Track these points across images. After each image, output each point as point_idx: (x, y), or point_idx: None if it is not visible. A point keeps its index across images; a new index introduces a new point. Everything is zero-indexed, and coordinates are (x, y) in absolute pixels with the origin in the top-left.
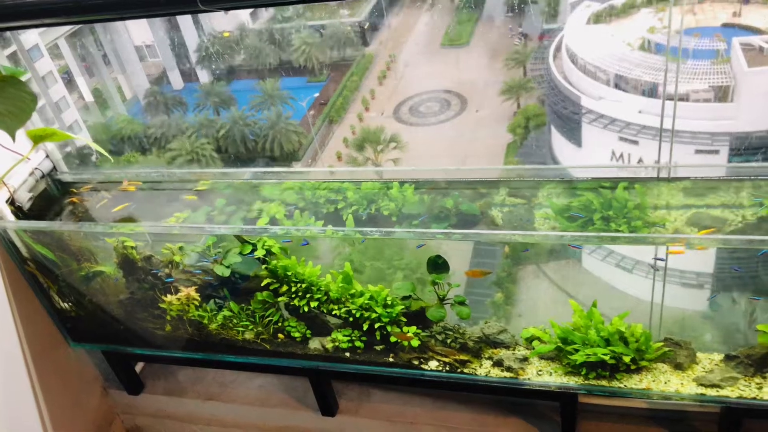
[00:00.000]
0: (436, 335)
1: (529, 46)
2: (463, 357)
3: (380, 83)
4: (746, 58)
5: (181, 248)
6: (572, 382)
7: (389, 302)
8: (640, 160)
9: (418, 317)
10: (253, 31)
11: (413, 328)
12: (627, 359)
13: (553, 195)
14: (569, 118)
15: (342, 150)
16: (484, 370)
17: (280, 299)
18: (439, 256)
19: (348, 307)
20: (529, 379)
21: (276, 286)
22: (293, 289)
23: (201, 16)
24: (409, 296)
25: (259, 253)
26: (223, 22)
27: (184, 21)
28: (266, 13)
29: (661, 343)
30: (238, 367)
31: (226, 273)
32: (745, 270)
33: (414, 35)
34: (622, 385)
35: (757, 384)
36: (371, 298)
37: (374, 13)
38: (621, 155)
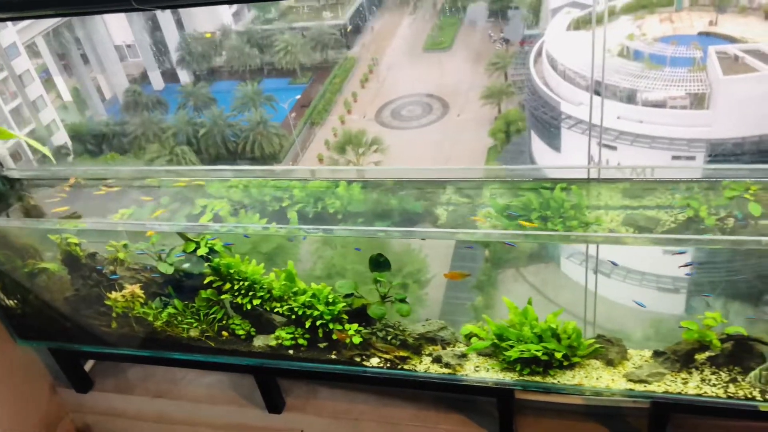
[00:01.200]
0: (378, 332)
1: (510, 51)
2: (403, 354)
3: (362, 86)
4: (722, 67)
5: (125, 246)
6: (508, 378)
7: (331, 300)
8: (618, 164)
9: (360, 315)
10: (235, 32)
11: (355, 326)
12: (559, 355)
13: (497, 195)
14: (549, 123)
15: (323, 152)
16: (423, 366)
17: (223, 297)
18: (380, 255)
19: (290, 304)
20: (466, 375)
21: (219, 283)
22: (236, 287)
23: (183, 16)
24: (352, 294)
25: (202, 251)
26: (205, 22)
27: (165, 21)
28: (249, 14)
29: (593, 340)
30: (185, 365)
31: (170, 270)
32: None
33: (396, 38)
34: (555, 381)
35: (683, 379)
36: (313, 296)
37: (357, 16)
38: (599, 160)
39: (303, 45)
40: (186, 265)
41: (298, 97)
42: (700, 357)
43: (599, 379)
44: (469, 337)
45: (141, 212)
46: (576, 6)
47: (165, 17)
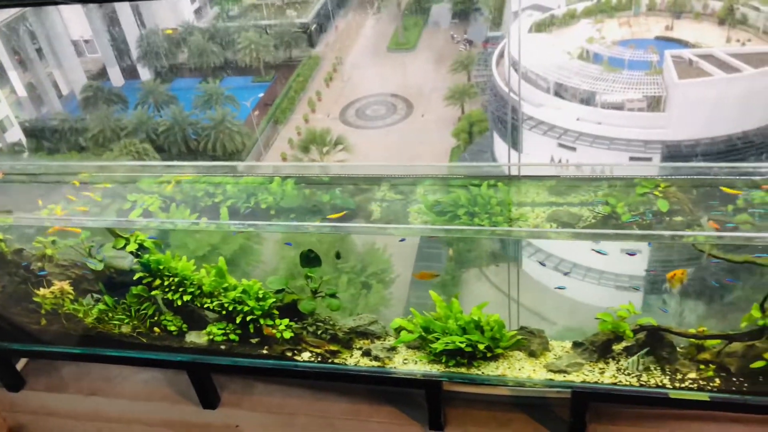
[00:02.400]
0: (308, 327)
1: (473, 53)
2: (333, 348)
3: (327, 85)
4: (677, 70)
5: (54, 242)
6: (435, 369)
7: (261, 295)
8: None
9: (291, 310)
10: (197, 29)
11: (286, 321)
12: (482, 347)
13: (430, 192)
14: (511, 124)
15: (287, 151)
16: (354, 360)
17: (153, 293)
18: (311, 251)
19: (221, 300)
20: (395, 367)
21: (149, 280)
22: (166, 283)
23: (144, 11)
24: (283, 290)
25: (131, 247)
26: (166, 19)
27: (125, 17)
28: (211, 11)
29: (515, 332)
30: (117, 362)
31: (99, 267)
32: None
33: (361, 38)
34: (480, 372)
35: (600, 369)
36: (244, 291)
37: (321, 15)
38: (560, 161)
39: (266, 43)
40: (125, 261)
41: (262, 95)
42: (617, 347)
43: (521, 370)
44: (399, 330)
45: (69, 208)
46: (537, 9)
47: (125, 12)
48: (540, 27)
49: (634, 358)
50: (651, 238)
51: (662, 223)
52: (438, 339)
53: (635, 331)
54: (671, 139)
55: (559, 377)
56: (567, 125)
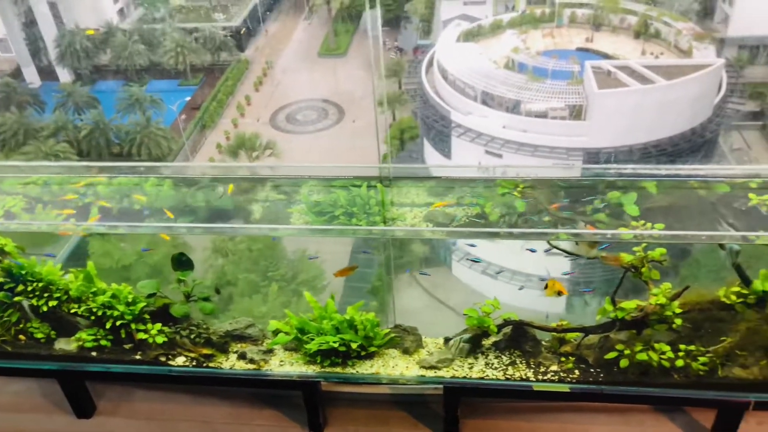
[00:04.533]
0: (182, 332)
1: (404, 60)
2: (208, 351)
3: (256, 89)
4: (596, 80)
5: None
6: (311, 370)
7: (131, 300)
8: (504, 173)
9: (163, 314)
10: (120, 30)
11: (158, 325)
12: (355, 345)
13: (314, 192)
14: (440, 132)
15: (215, 156)
16: (229, 363)
17: (16, 299)
18: (182, 254)
19: (89, 305)
20: (271, 369)
21: (11, 285)
22: (30, 288)
23: (62, 10)
24: (154, 294)
25: None
26: (87, 19)
27: (42, 15)
28: (135, 12)
29: (388, 330)
30: None
31: None
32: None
33: (291, 43)
34: (354, 371)
35: (470, 364)
36: (113, 296)
37: (251, 19)
38: (487, 168)
39: (193, 46)
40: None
41: (188, 98)
42: (486, 342)
43: (395, 368)
44: (276, 333)
45: None
46: (466, 18)
47: (41, 10)
48: (468, 36)
49: (456, 340)
50: (515, 237)
51: (531, 222)
52: (313, 339)
53: (500, 326)
54: (592, 147)
55: (430, 373)
56: (494, 133)
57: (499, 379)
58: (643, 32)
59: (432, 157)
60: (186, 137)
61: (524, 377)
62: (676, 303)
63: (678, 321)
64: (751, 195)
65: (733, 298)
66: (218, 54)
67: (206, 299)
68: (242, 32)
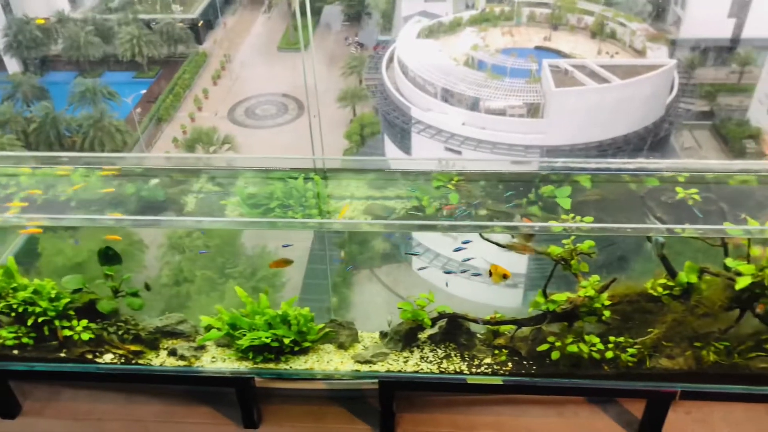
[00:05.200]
0: (109, 328)
1: (364, 55)
2: (136, 348)
3: (214, 83)
4: (554, 79)
5: None
6: (243, 366)
7: (54, 295)
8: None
9: (89, 311)
10: (72, 20)
11: (84, 322)
12: (287, 341)
13: (251, 184)
14: (400, 128)
15: (171, 150)
16: (159, 360)
17: None
18: (109, 248)
19: (8, 301)
20: (202, 366)
21: None
22: None
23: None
24: (80, 289)
25: None
26: (37, 8)
27: None
28: (88, 2)
29: (323, 325)
30: None
31: None
32: None
33: (251, 36)
34: (288, 367)
35: (405, 358)
36: (35, 292)
37: (209, 11)
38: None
39: (150, 37)
40: None
41: (144, 91)
42: (422, 336)
43: (330, 363)
44: (208, 329)
45: None
46: (426, 15)
47: None
48: (428, 33)
49: (390, 333)
50: (449, 230)
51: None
52: (245, 335)
53: (434, 319)
54: (549, 144)
55: (365, 368)
56: (453, 129)
57: (433, 373)
58: (599, 32)
59: (392, 153)
60: (141, 131)
61: (458, 370)
62: (605, 295)
63: (607, 313)
64: (678, 189)
65: (660, 290)
66: (175, 46)
67: (134, 294)
68: (200, 25)
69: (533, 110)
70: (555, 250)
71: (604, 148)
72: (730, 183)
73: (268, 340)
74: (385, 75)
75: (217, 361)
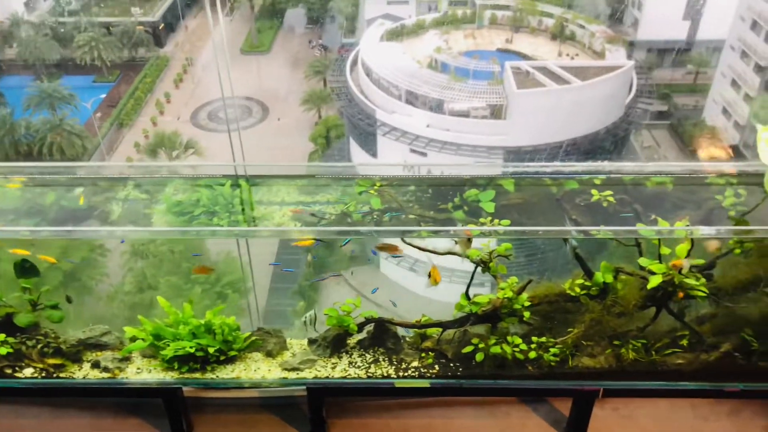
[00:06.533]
0: (27, 342)
1: (329, 58)
2: (56, 361)
3: (177, 87)
4: (516, 81)
5: None
6: (169, 377)
7: None
8: (428, 171)
9: (5, 324)
10: (28, 23)
11: (2, 336)
12: (212, 350)
13: (180, 191)
14: (365, 130)
15: (133, 155)
16: (83, 373)
17: None
18: (25, 260)
19: None
20: (127, 377)
21: None
22: None
23: None
24: None
25: None
26: None
27: None
28: (45, 4)
29: (249, 333)
30: None
31: None
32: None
33: (212, 39)
34: (215, 376)
35: (333, 364)
36: None
37: (170, 14)
38: (412, 166)
39: (109, 41)
40: None
41: (104, 96)
42: (352, 342)
43: (257, 371)
44: (133, 340)
45: None
46: (389, 18)
47: None
48: (391, 36)
49: (318, 339)
50: (376, 234)
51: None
52: (169, 345)
53: (361, 325)
54: (512, 145)
55: (293, 375)
56: (418, 131)
57: (361, 378)
58: (559, 34)
59: (358, 155)
60: (102, 136)
61: (386, 374)
62: (524, 296)
63: (527, 314)
64: (593, 191)
65: (577, 290)
66: (135, 50)
67: (54, 307)
68: (161, 28)
69: (496, 112)
70: (474, 253)
71: (565, 149)
72: (648, 185)
73: (192, 350)
74: (350, 78)
75: (142, 372)
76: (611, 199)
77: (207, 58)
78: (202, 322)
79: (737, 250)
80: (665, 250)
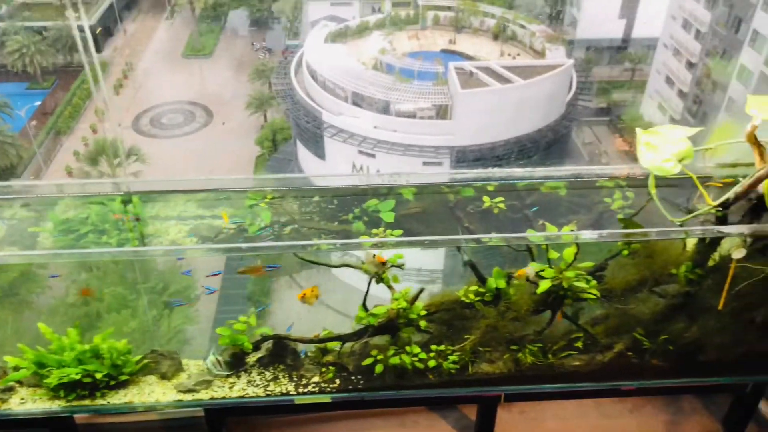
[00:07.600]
0: None
1: (273, 61)
2: None
3: (117, 92)
4: (460, 81)
5: None
6: (56, 405)
7: None
8: (378, 171)
9: None
10: None
11: None
12: (99, 376)
13: (71, 208)
14: (312, 133)
15: (72, 164)
16: None
17: None
18: None
19: None
20: (10, 408)
21: None
22: None
23: None
24: None
25: None
26: None
27: None
28: None
29: (141, 357)
30: None
31: None
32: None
33: (153, 43)
34: (105, 402)
35: (230, 383)
36: None
37: (107, 18)
38: (361, 167)
39: (43, 46)
40: None
41: (38, 103)
42: (251, 360)
43: (151, 394)
44: (17, 369)
45: None
46: (333, 19)
47: None
48: (335, 37)
49: (212, 357)
50: (276, 249)
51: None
52: (53, 373)
53: (257, 343)
54: (458, 145)
55: (188, 397)
56: (365, 133)
57: (260, 396)
58: (500, 35)
59: (306, 158)
60: (38, 145)
61: (285, 391)
62: (419, 305)
63: (423, 323)
64: (485, 198)
65: (472, 296)
66: (72, 55)
67: None
68: (98, 32)
69: (442, 112)
70: (365, 267)
71: (510, 147)
72: (542, 190)
73: (78, 377)
74: (295, 80)
75: (26, 402)
76: (502, 205)
77: (148, 63)
78: (89, 347)
79: (625, 252)
80: (553, 254)
